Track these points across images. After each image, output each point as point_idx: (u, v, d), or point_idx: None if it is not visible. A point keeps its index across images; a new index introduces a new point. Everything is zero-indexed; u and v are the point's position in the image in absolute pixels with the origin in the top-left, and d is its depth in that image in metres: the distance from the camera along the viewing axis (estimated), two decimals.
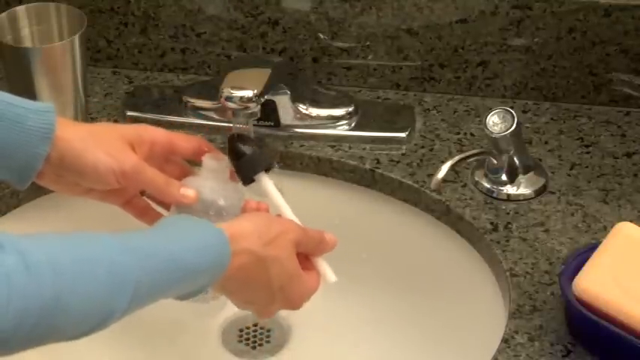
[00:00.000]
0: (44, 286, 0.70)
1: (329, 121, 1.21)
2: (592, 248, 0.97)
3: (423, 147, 1.20)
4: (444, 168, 1.10)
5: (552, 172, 1.16)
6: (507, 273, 1.04)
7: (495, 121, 1.10)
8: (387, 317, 1.18)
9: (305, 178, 1.20)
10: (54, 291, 0.71)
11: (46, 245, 0.74)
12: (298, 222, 0.95)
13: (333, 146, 1.20)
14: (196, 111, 1.23)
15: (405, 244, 1.18)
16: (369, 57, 1.27)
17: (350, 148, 1.20)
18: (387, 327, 1.18)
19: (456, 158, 1.11)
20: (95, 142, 0.92)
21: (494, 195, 1.13)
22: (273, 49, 1.28)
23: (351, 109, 1.22)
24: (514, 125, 1.09)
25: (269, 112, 1.18)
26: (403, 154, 1.19)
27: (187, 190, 0.94)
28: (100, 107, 1.27)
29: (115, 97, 1.28)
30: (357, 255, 1.17)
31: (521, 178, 1.13)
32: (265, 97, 1.11)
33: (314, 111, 1.21)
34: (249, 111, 1.08)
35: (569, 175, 1.16)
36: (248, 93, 1.08)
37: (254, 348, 1.19)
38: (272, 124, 1.20)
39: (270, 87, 1.12)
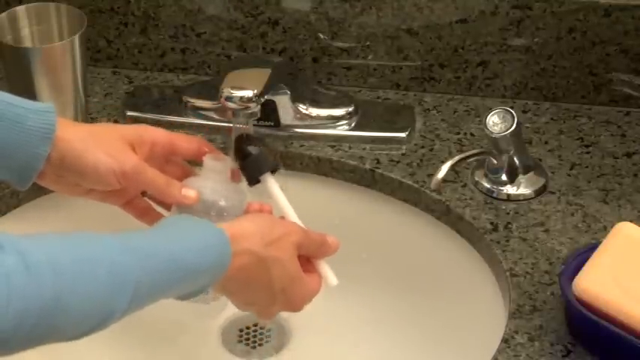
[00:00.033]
0: (44, 287, 0.70)
1: (329, 121, 1.21)
2: (592, 248, 0.97)
3: (423, 147, 1.20)
4: (444, 168, 1.10)
5: (552, 172, 1.16)
6: (507, 273, 1.04)
7: (495, 121, 1.10)
8: (387, 317, 1.18)
9: (305, 178, 1.20)
10: (54, 291, 0.71)
11: (46, 245, 0.74)
12: (301, 224, 0.95)
13: (333, 146, 1.20)
14: (196, 111, 1.23)
15: (405, 244, 1.18)
16: (369, 57, 1.27)
17: (350, 148, 1.20)
18: (387, 327, 1.18)
19: (456, 158, 1.11)
20: (96, 143, 0.92)
21: (494, 195, 1.13)
22: (273, 49, 1.28)
23: (351, 109, 1.22)
24: (514, 125, 1.09)
25: (269, 112, 1.18)
26: (403, 154, 1.19)
27: (188, 191, 0.94)
28: (100, 107, 1.27)
29: (115, 97, 1.28)
30: (357, 255, 1.17)
31: (521, 178, 1.13)
32: (265, 97, 1.11)
33: (314, 111, 1.21)
34: (249, 111, 1.08)
35: (569, 175, 1.16)
36: (248, 93, 1.08)
37: (254, 348, 1.19)
38: (272, 124, 1.20)
39: (270, 87, 1.12)
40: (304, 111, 1.21)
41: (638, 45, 1.21)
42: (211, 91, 1.19)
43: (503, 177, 1.13)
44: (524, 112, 1.25)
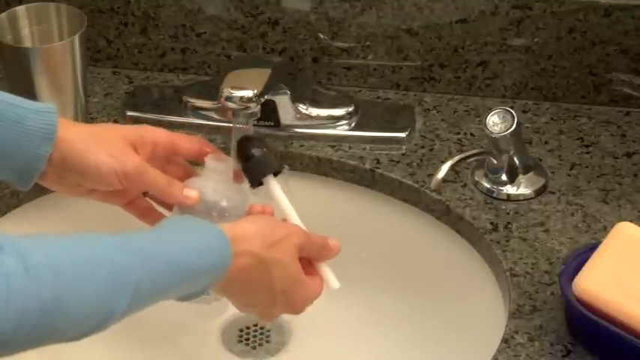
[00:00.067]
0: (44, 288, 0.70)
1: (329, 121, 1.21)
2: (592, 248, 0.97)
3: (423, 147, 1.20)
4: (444, 168, 1.10)
5: (552, 172, 1.16)
6: (507, 273, 1.04)
7: (495, 121, 1.10)
8: (387, 317, 1.18)
9: (305, 178, 1.20)
10: (54, 292, 0.71)
11: (47, 246, 0.74)
12: (303, 227, 0.95)
13: (333, 146, 1.20)
14: (196, 111, 1.23)
15: (405, 244, 1.18)
16: (369, 57, 1.27)
17: (350, 148, 1.20)
18: (387, 327, 1.18)
19: (456, 158, 1.11)
20: (97, 143, 0.92)
21: (494, 195, 1.13)
22: (273, 49, 1.28)
23: (351, 109, 1.22)
24: (514, 125, 1.09)
25: (269, 112, 1.18)
26: (403, 154, 1.19)
27: (190, 191, 0.94)
28: (100, 107, 1.27)
29: (115, 97, 1.28)
30: (357, 255, 1.17)
31: (521, 178, 1.13)
32: (265, 97, 1.11)
33: (314, 111, 1.21)
34: (249, 111, 1.08)
35: (569, 175, 1.16)
36: (248, 93, 1.08)
37: (254, 348, 1.19)
38: (272, 124, 1.20)
39: (270, 87, 1.12)
40: (304, 111, 1.21)
41: (638, 45, 1.21)
42: (211, 91, 1.19)
43: (503, 177, 1.13)
44: (524, 112, 1.25)
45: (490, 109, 1.12)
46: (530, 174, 1.14)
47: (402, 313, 1.17)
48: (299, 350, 1.18)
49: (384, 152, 1.19)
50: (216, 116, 1.22)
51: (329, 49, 1.27)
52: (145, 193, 0.99)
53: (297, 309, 0.94)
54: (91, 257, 0.75)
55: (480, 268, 1.10)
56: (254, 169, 0.97)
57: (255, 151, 0.97)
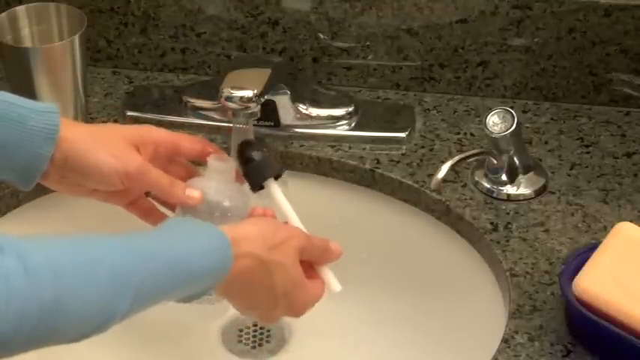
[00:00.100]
0: (44, 289, 0.70)
1: (329, 121, 1.21)
2: (592, 248, 0.97)
3: (423, 147, 1.20)
4: (444, 168, 1.10)
5: (552, 172, 1.16)
6: (507, 273, 1.04)
7: (495, 121, 1.10)
8: (387, 317, 1.18)
9: (305, 178, 1.20)
10: (54, 293, 0.71)
11: (47, 247, 0.74)
12: (305, 230, 0.95)
13: (333, 146, 1.20)
14: (196, 111, 1.23)
15: (405, 244, 1.18)
16: (369, 57, 1.27)
17: (350, 148, 1.20)
18: (386, 327, 1.18)
19: (456, 158, 1.11)
20: (99, 143, 0.92)
21: (494, 195, 1.13)
22: (273, 49, 1.28)
23: (351, 109, 1.22)
24: (514, 125, 1.09)
25: (269, 112, 1.18)
26: (403, 154, 1.19)
27: (192, 191, 0.94)
28: (100, 107, 1.27)
29: (115, 97, 1.28)
30: (357, 255, 1.17)
31: (521, 178, 1.13)
32: (265, 97, 1.11)
33: (314, 111, 1.21)
34: (249, 111, 1.08)
35: (569, 175, 1.16)
36: (248, 93, 1.07)
37: (254, 348, 1.19)
38: (272, 124, 1.20)
39: (270, 87, 1.12)
40: (304, 111, 1.21)
41: (638, 45, 1.21)
42: (211, 91, 1.19)
43: (503, 177, 1.13)
44: (524, 112, 1.25)
45: (490, 109, 1.12)
46: (530, 174, 1.14)
47: (402, 313, 1.17)
48: (299, 350, 1.18)
49: (384, 152, 1.19)
50: (216, 116, 1.22)
51: (329, 49, 1.27)
52: (147, 193, 0.99)
53: (297, 312, 0.94)
54: (91, 258, 0.75)
55: (480, 268, 1.10)
56: (254, 173, 0.97)
57: (256, 155, 0.97)
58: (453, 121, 1.24)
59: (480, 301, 1.10)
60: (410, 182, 1.15)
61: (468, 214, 1.11)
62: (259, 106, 1.09)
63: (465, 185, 1.14)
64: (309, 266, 0.94)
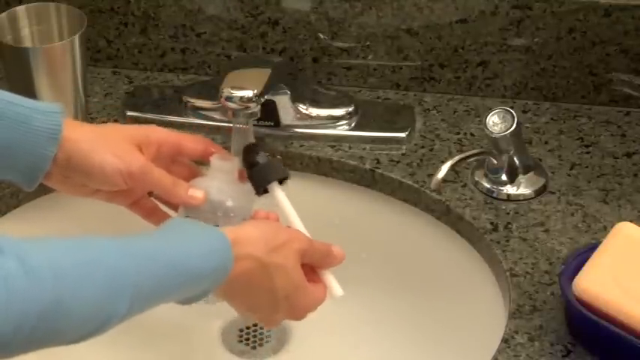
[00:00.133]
0: (44, 290, 0.70)
1: (329, 121, 1.21)
2: (592, 248, 0.97)
3: (423, 147, 1.20)
4: (444, 168, 1.10)
5: (552, 172, 1.16)
6: (507, 273, 1.04)
7: (495, 121, 1.10)
8: (387, 317, 1.18)
9: (305, 178, 1.20)
10: (54, 294, 0.71)
11: (47, 249, 0.74)
12: (307, 234, 0.95)
13: (333, 146, 1.20)
14: (196, 111, 1.23)
15: (405, 244, 1.18)
16: (369, 57, 1.27)
17: (350, 148, 1.20)
18: (386, 327, 1.18)
19: (456, 158, 1.11)
20: (102, 143, 0.92)
21: (494, 195, 1.13)
22: (273, 49, 1.28)
23: (351, 109, 1.22)
24: (514, 125, 1.09)
25: (269, 112, 1.18)
26: (403, 154, 1.19)
27: (195, 191, 0.94)
28: (100, 107, 1.27)
29: (115, 97, 1.28)
30: (356, 255, 1.17)
31: (521, 178, 1.13)
32: (265, 97, 1.11)
33: (314, 111, 1.21)
34: (249, 111, 1.08)
35: (569, 175, 1.16)
36: (248, 93, 1.07)
37: (254, 348, 1.19)
38: (272, 124, 1.20)
39: (270, 87, 1.12)
40: (304, 111, 1.21)
41: (638, 45, 1.21)
42: (211, 91, 1.19)
43: (503, 177, 1.13)
44: (524, 112, 1.25)
45: (490, 109, 1.12)
46: (530, 174, 1.14)
47: (402, 313, 1.17)
48: (299, 350, 1.18)
49: (384, 152, 1.19)
50: (216, 116, 1.22)
51: (329, 49, 1.27)
52: (150, 193, 0.99)
53: (298, 315, 0.94)
54: (91, 260, 0.75)
55: (480, 268, 1.10)
56: (259, 176, 0.97)
57: (260, 158, 0.97)
58: (453, 121, 1.24)
59: (480, 301, 1.10)
60: (410, 182, 1.15)
61: (468, 214, 1.11)
62: (259, 106, 1.08)
63: (465, 185, 1.14)
64: (311, 270, 0.94)
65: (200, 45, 1.30)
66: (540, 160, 1.17)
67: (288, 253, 0.89)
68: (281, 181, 0.97)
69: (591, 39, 1.21)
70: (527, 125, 1.22)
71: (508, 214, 1.11)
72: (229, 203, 0.95)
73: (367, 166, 1.17)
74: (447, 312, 1.14)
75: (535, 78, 1.25)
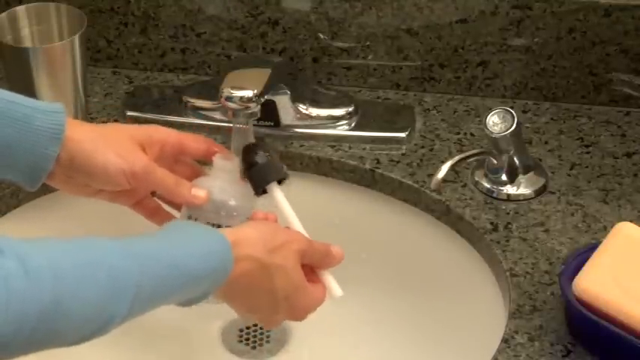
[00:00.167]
0: (44, 291, 0.70)
1: (329, 121, 1.21)
2: (592, 248, 0.97)
3: (423, 147, 1.20)
4: (444, 168, 1.10)
5: (552, 172, 1.16)
6: (507, 273, 1.04)
7: (495, 121, 1.10)
8: (387, 317, 1.18)
9: (305, 178, 1.20)
10: (54, 295, 0.71)
11: (47, 249, 0.73)
12: (306, 234, 0.95)
13: (333, 146, 1.20)
14: (196, 111, 1.23)
15: (405, 244, 1.18)
16: (369, 57, 1.27)
17: (350, 148, 1.20)
18: (386, 327, 1.18)
19: (456, 158, 1.11)
20: (105, 143, 0.92)
21: (494, 195, 1.13)
22: (273, 49, 1.28)
23: (351, 109, 1.22)
24: (514, 125, 1.09)
25: (269, 112, 1.18)
26: (403, 154, 1.19)
27: (198, 191, 0.94)
28: (100, 107, 1.27)
29: (115, 97, 1.28)
30: (356, 255, 1.17)
31: (521, 178, 1.13)
32: (265, 97, 1.11)
33: (314, 111, 1.21)
34: (249, 111, 1.07)
35: (569, 175, 1.16)
36: (248, 93, 1.07)
37: (254, 348, 1.19)
38: (272, 124, 1.20)
39: (270, 87, 1.12)
40: (304, 111, 1.21)
41: (638, 45, 1.21)
42: (211, 91, 1.19)
43: (503, 177, 1.13)
44: (524, 112, 1.25)
45: (490, 109, 1.12)
46: (530, 174, 1.14)
47: (402, 313, 1.17)
48: (299, 350, 1.18)
49: (384, 152, 1.19)
50: (216, 116, 1.22)
51: (329, 49, 1.27)
52: (153, 193, 0.99)
53: (299, 316, 0.94)
54: (91, 260, 0.75)
55: (480, 268, 1.10)
56: (257, 176, 0.97)
57: (259, 158, 0.97)
58: (453, 121, 1.24)
59: (480, 301, 1.10)
60: (410, 182, 1.15)
61: (468, 214, 1.11)
62: (259, 106, 1.08)
63: (465, 185, 1.14)
64: (311, 270, 0.94)
65: (200, 45, 1.30)
66: (540, 160, 1.17)
67: (287, 254, 0.89)
68: (280, 182, 0.97)
69: (591, 39, 1.21)
70: (527, 125, 1.22)
71: (508, 214, 1.11)
72: (232, 203, 0.95)
73: (367, 166, 1.17)
74: (447, 312, 1.14)
75: (535, 78, 1.25)
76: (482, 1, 1.21)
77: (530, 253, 1.06)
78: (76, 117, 1.19)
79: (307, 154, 1.19)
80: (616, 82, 1.24)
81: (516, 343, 0.97)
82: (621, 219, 1.05)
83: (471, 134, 1.21)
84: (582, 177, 1.15)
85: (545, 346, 0.97)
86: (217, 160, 0.97)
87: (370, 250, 1.20)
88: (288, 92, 1.19)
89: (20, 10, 1.19)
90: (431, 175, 1.14)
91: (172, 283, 0.80)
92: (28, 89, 1.15)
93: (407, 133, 1.21)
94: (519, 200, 1.12)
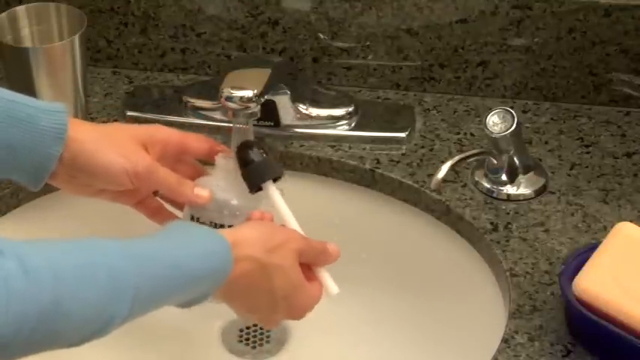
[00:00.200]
0: (43, 291, 0.70)
1: (329, 121, 1.21)
2: (592, 248, 0.97)
3: (423, 147, 1.20)
4: (444, 168, 1.10)
5: (552, 172, 1.16)
6: (507, 273, 1.04)
7: (495, 121, 1.10)
8: (387, 317, 1.18)
9: (305, 178, 1.20)
10: (54, 295, 0.71)
11: (47, 250, 0.73)
12: (302, 233, 0.95)
13: (333, 146, 1.20)
14: (196, 111, 1.23)
15: (405, 244, 1.18)
16: (369, 57, 1.27)
17: (350, 148, 1.20)
18: (386, 327, 1.18)
19: (456, 158, 1.11)
20: (108, 143, 0.92)
21: (494, 195, 1.13)
22: (273, 49, 1.28)
23: (351, 109, 1.22)
24: (514, 125, 1.09)
25: (269, 112, 1.18)
26: (403, 154, 1.19)
27: (201, 190, 0.94)
28: (100, 107, 1.27)
29: (115, 97, 1.28)
30: (356, 255, 1.17)
31: (521, 178, 1.13)
32: (265, 97, 1.11)
33: (314, 111, 1.21)
34: (249, 111, 1.07)
35: (569, 175, 1.16)
36: (248, 93, 1.07)
37: (254, 348, 1.19)
38: (272, 124, 1.20)
39: (270, 87, 1.12)
40: (304, 111, 1.21)
41: (638, 45, 1.21)
42: (211, 91, 1.19)
43: (503, 177, 1.13)
44: (524, 112, 1.25)
45: (490, 109, 1.12)
46: (530, 174, 1.14)
47: (402, 313, 1.17)
48: (299, 350, 1.18)
49: (384, 152, 1.19)
50: (216, 116, 1.22)
51: (329, 49, 1.27)
52: (155, 193, 0.99)
53: (297, 315, 0.94)
54: (91, 261, 0.75)
55: (480, 268, 1.10)
56: (253, 174, 0.97)
57: (255, 156, 0.97)
58: (453, 121, 1.24)
59: (480, 301, 1.10)
60: (410, 182, 1.15)
61: (468, 214, 1.11)
62: (259, 106, 1.08)
63: (465, 185, 1.14)
64: (307, 268, 0.94)
65: (200, 45, 1.30)
66: (540, 160, 1.17)
67: (285, 253, 0.90)
68: (275, 180, 0.97)
69: (591, 39, 1.21)
70: (527, 125, 1.22)
71: (508, 214, 1.11)
72: (235, 202, 0.95)
73: (367, 166, 1.17)
74: (447, 312, 1.14)
75: (535, 78, 1.25)
76: (482, 1, 1.21)
77: (530, 253, 1.06)
78: (76, 117, 1.19)
79: (307, 154, 1.19)
80: (616, 82, 1.24)
81: (516, 343, 0.97)
82: (621, 219, 1.05)
83: (471, 134, 1.21)
84: (582, 177, 1.15)
85: (545, 346, 0.97)
86: (219, 159, 0.97)
87: (370, 250, 1.20)
88: (288, 92, 1.19)
89: (20, 10, 1.19)
90: (431, 175, 1.14)
91: (172, 283, 0.80)
92: (28, 89, 1.15)
93: (407, 133, 1.21)
94: (519, 200, 1.12)
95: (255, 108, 1.08)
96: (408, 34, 1.25)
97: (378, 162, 1.18)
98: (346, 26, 1.25)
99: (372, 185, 1.18)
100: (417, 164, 1.17)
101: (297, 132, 1.21)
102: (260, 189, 0.97)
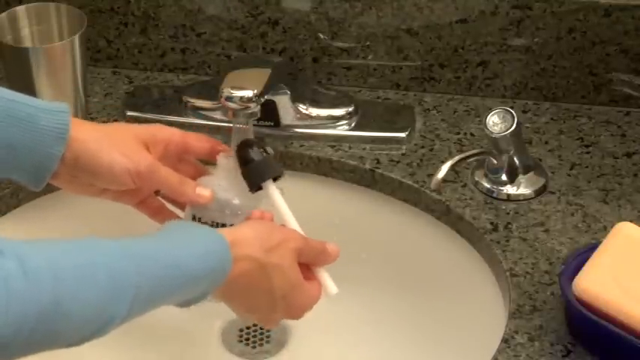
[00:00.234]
0: (43, 291, 0.70)
1: (329, 121, 1.21)
2: (592, 248, 0.97)
3: (423, 147, 1.20)
4: (444, 168, 1.10)
5: (552, 172, 1.16)
6: (507, 273, 1.04)
7: (495, 121, 1.10)
8: (387, 317, 1.18)
9: (305, 178, 1.20)
10: (54, 296, 0.71)
11: (47, 250, 0.73)
12: (302, 232, 0.95)
13: (333, 146, 1.20)
14: (196, 111, 1.23)
15: (405, 244, 1.18)
16: (369, 57, 1.27)
17: (350, 148, 1.20)
18: (386, 327, 1.18)
19: (456, 158, 1.11)
20: (110, 143, 0.92)
21: (494, 195, 1.13)
22: (273, 49, 1.28)
23: (351, 109, 1.22)
24: (514, 125, 1.09)
25: (269, 112, 1.18)
26: (403, 154, 1.19)
27: (202, 190, 0.94)
28: (100, 107, 1.27)
29: (115, 97, 1.28)
30: (356, 255, 1.17)
31: (521, 178, 1.13)
32: (265, 97, 1.11)
33: (314, 111, 1.21)
34: (249, 111, 1.08)
35: (569, 175, 1.16)
36: (248, 93, 1.07)
37: (254, 348, 1.19)
38: (272, 124, 1.20)
39: (270, 87, 1.12)
40: (304, 111, 1.21)
41: (638, 45, 1.21)
42: (211, 91, 1.19)
43: (503, 177, 1.13)
44: (524, 112, 1.25)
45: (490, 109, 1.12)
46: (530, 174, 1.14)
47: (402, 313, 1.17)
48: (299, 350, 1.18)
49: (384, 152, 1.19)
50: (216, 116, 1.22)
51: (329, 49, 1.27)
52: (157, 192, 0.99)
53: (296, 314, 0.94)
54: (91, 261, 0.75)
55: (480, 268, 1.10)
56: (253, 173, 0.97)
57: (255, 155, 0.97)
58: (453, 121, 1.24)
59: (480, 301, 1.10)
60: (410, 182, 1.15)
61: (468, 214, 1.11)
62: (259, 106, 1.08)
63: (465, 185, 1.14)
64: (307, 268, 0.94)
65: (200, 45, 1.30)
66: (540, 160, 1.17)
67: (284, 253, 0.89)
68: (275, 179, 0.97)
69: (591, 39, 1.21)
70: (527, 125, 1.22)
71: (508, 214, 1.11)
72: (236, 201, 0.95)
73: (367, 166, 1.18)
74: (447, 312, 1.14)
75: (535, 78, 1.25)
76: (482, 1, 1.21)
77: (530, 253, 1.06)
78: (76, 117, 1.19)
79: (307, 154, 1.19)
80: (616, 82, 1.24)
81: (516, 343, 0.97)
82: (621, 219, 1.05)
83: (471, 134, 1.21)
84: (582, 177, 1.15)
85: (545, 346, 0.97)
86: (221, 159, 0.97)
87: (370, 250, 1.20)
88: (288, 92, 1.19)
89: (20, 10, 1.19)
90: (431, 175, 1.14)
91: (171, 283, 0.80)
92: (28, 89, 1.15)
93: (407, 133, 1.21)
94: (519, 200, 1.12)
95: (255, 108, 1.08)
96: (408, 34, 1.25)
97: (378, 162, 1.18)
98: (346, 26, 1.25)
99: (372, 185, 1.18)
100: (417, 164, 1.17)
101: (297, 132, 1.21)
102: (260, 188, 0.97)
